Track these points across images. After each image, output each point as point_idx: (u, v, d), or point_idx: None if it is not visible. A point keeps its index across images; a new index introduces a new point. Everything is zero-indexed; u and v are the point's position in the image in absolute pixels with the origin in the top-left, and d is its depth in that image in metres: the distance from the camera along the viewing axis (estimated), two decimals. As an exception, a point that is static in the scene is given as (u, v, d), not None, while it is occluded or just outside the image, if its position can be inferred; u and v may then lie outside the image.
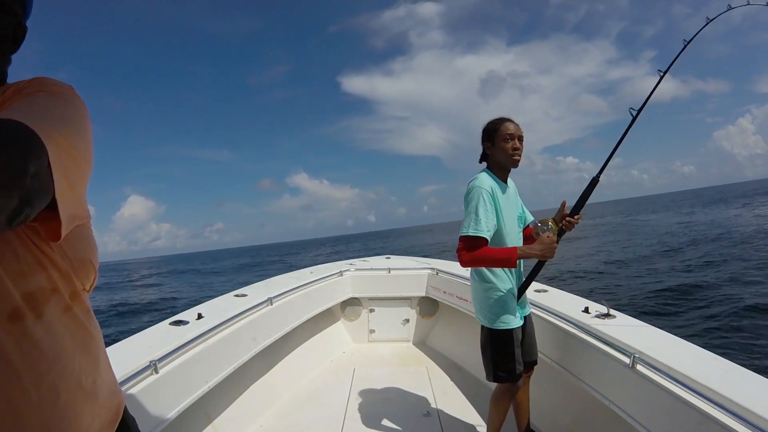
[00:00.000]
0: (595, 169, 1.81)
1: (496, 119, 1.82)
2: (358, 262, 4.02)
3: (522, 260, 1.81)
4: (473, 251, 1.66)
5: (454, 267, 3.56)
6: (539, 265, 1.82)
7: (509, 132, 1.76)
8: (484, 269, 1.81)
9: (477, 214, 1.67)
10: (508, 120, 1.80)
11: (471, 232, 1.66)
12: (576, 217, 1.73)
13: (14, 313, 0.56)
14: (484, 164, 1.86)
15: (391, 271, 3.63)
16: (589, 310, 2.02)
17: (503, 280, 1.81)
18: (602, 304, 2.02)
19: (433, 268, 3.52)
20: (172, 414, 1.56)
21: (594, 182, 1.76)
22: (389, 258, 4.39)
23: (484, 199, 1.69)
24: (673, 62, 1.85)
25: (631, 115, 1.76)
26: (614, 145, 1.80)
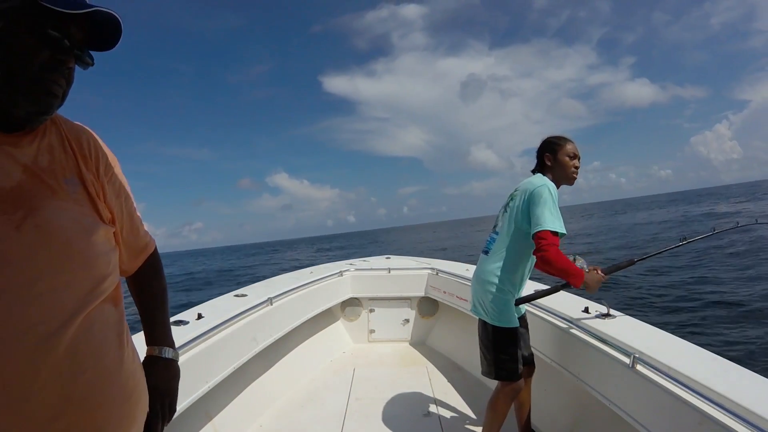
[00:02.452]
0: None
1: (560, 136, 1.85)
2: (358, 262, 4.02)
3: (531, 270, 1.85)
4: (561, 255, 1.61)
5: (454, 267, 3.55)
6: (553, 291, 1.86)
7: (574, 151, 1.81)
8: (516, 274, 1.80)
9: (557, 210, 1.66)
10: (571, 140, 1.84)
11: (559, 228, 1.62)
12: (603, 276, 1.75)
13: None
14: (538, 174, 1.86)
15: (391, 271, 3.63)
16: (589, 310, 2.02)
17: (519, 286, 1.83)
18: (602, 304, 2.02)
19: (433, 268, 3.52)
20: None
21: (630, 263, 1.91)
22: (389, 258, 4.39)
23: (554, 200, 1.69)
24: (697, 239, 2.10)
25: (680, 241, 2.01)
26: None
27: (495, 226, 1.92)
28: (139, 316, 0.99)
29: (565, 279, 1.69)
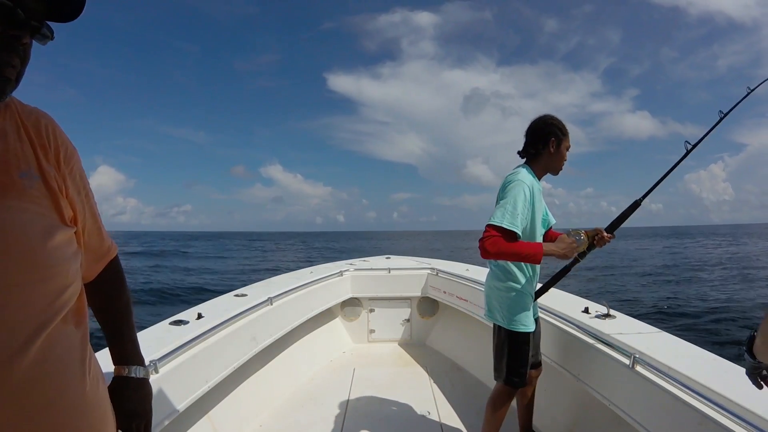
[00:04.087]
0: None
1: (563, 124, 1.77)
2: (358, 262, 4.02)
3: (541, 263, 1.80)
4: (501, 243, 1.58)
5: (454, 267, 3.55)
6: (565, 271, 1.82)
7: (569, 145, 1.77)
8: (513, 268, 1.76)
9: (515, 208, 1.61)
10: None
11: (506, 225, 1.58)
12: (609, 235, 1.71)
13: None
14: (523, 160, 1.81)
15: (391, 271, 3.62)
16: (589, 311, 2.02)
17: (527, 280, 1.77)
18: (602, 305, 2.02)
19: (433, 268, 3.52)
20: (172, 414, 1.56)
21: (635, 205, 1.75)
22: (389, 258, 4.39)
23: (525, 194, 1.64)
24: (735, 106, 1.81)
25: (686, 148, 1.75)
26: (663, 172, 1.76)
27: None
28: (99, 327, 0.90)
29: (524, 260, 1.69)
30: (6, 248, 0.57)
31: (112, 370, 0.88)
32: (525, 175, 1.70)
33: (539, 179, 1.78)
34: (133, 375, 0.87)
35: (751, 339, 0.85)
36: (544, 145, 1.75)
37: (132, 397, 0.86)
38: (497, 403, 1.85)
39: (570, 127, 1.81)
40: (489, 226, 1.62)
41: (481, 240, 1.62)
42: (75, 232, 0.71)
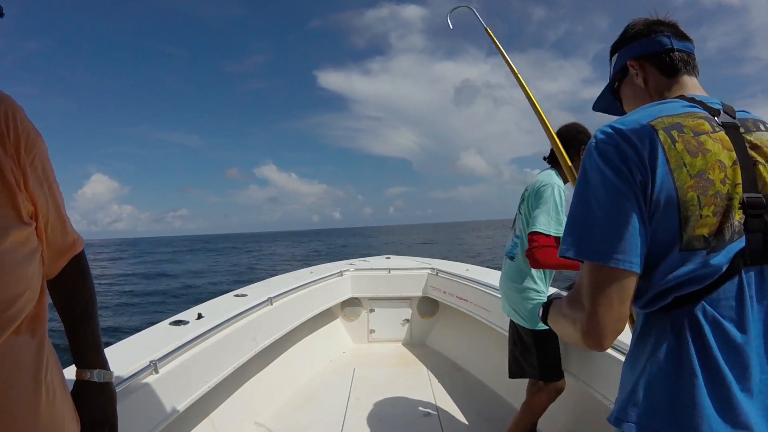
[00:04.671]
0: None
1: (589, 132, 1.80)
2: (358, 262, 4.02)
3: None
4: (553, 255, 1.59)
5: (454, 267, 3.55)
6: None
7: None
8: (534, 273, 1.78)
9: (559, 213, 1.63)
10: None
11: (553, 232, 1.60)
12: None
13: None
14: (547, 165, 1.84)
15: (391, 271, 3.62)
16: None
17: (545, 284, 1.81)
18: None
19: (433, 268, 3.52)
20: (172, 414, 1.56)
21: None
22: (389, 258, 4.39)
23: (563, 199, 1.66)
24: None
25: None
26: None
27: (514, 229, 1.91)
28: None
29: (567, 269, 1.68)
30: None
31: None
32: (559, 179, 1.73)
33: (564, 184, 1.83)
34: (95, 379, 0.82)
35: (548, 305, 0.87)
36: (575, 152, 1.78)
37: (93, 403, 0.81)
38: (539, 402, 1.84)
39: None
40: (536, 233, 1.61)
41: (529, 250, 1.62)
42: (36, 228, 0.64)
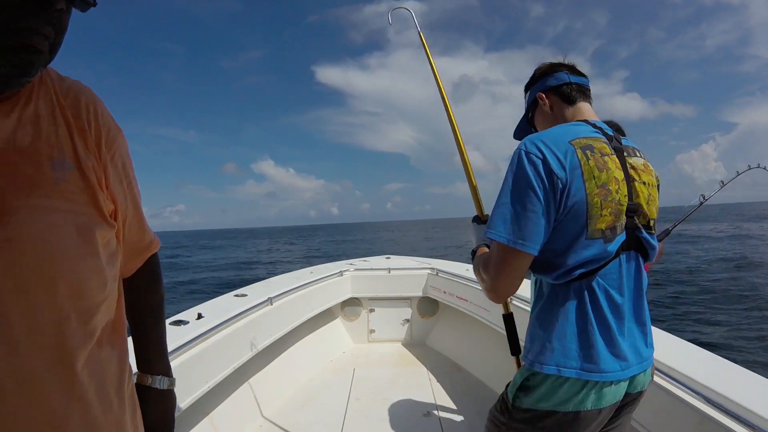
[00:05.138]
0: None
1: None
2: (358, 262, 4.02)
3: None
4: None
5: (454, 267, 3.55)
6: None
7: None
8: None
9: None
10: None
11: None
12: None
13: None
14: None
15: (391, 271, 3.63)
16: None
17: None
18: None
19: (433, 268, 3.52)
20: None
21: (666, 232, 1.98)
22: (389, 258, 4.39)
23: None
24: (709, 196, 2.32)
25: (700, 201, 2.19)
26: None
27: None
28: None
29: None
30: (26, 261, 0.47)
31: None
32: None
33: None
34: (156, 386, 0.79)
35: (475, 251, 1.11)
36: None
37: (153, 411, 0.77)
38: None
39: None
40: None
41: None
42: (115, 230, 0.61)
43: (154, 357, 0.81)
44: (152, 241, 0.77)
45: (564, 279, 0.90)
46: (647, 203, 0.94)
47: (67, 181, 0.53)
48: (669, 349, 1.58)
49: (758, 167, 2.37)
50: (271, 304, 2.53)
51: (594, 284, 0.88)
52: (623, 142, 0.97)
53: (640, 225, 0.93)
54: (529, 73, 1.14)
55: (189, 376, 1.72)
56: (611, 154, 0.90)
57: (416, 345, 3.50)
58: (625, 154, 0.94)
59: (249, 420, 2.29)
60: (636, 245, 0.93)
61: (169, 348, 1.65)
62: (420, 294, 3.55)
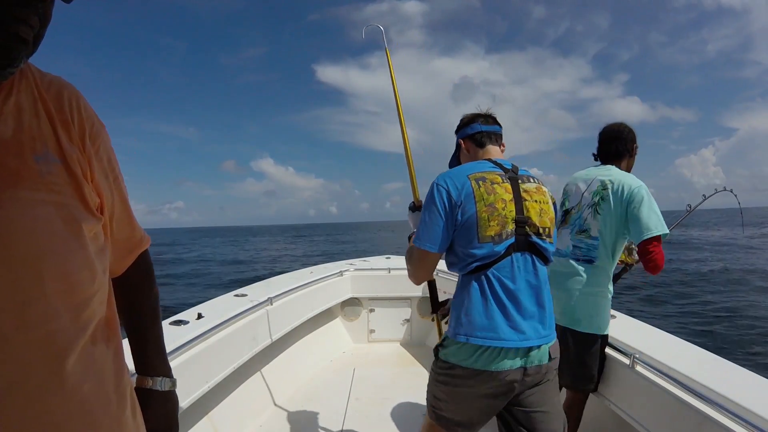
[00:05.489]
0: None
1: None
2: (358, 262, 4.02)
3: None
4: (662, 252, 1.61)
5: None
6: (624, 271, 1.98)
7: None
8: (610, 271, 1.72)
9: (659, 213, 1.62)
10: None
11: (666, 230, 1.60)
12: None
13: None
14: (603, 164, 1.86)
15: (391, 271, 3.62)
16: None
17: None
18: None
19: None
20: None
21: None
22: (389, 258, 4.39)
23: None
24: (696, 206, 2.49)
25: (687, 210, 2.44)
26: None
27: (586, 230, 1.75)
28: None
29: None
30: (13, 255, 0.46)
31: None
32: (636, 178, 1.72)
33: None
34: (158, 387, 0.77)
35: (410, 237, 1.40)
36: (629, 149, 1.83)
37: (156, 414, 0.76)
38: (578, 410, 1.75)
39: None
40: (656, 239, 1.58)
41: (651, 255, 1.58)
42: (102, 224, 0.60)
43: (153, 358, 0.79)
44: (143, 238, 0.76)
45: (466, 270, 1.20)
46: (539, 215, 1.21)
47: (52, 173, 0.52)
48: (670, 349, 1.58)
49: (724, 190, 2.52)
50: (271, 304, 2.53)
51: (489, 274, 1.17)
52: (520, 172, 1.27)
53: (531, 232, 1.19)
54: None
55: (189, 376, 1.72)
56: (502, 183, 1.21)
57: (416, 345, 3.50)
58: (519, 181, 1.24)
59: (249, 420, 2.29)
60: (529, 247, 1.19)
61: (169, 348, 1.65)
62: (420, 294, 3.55)
